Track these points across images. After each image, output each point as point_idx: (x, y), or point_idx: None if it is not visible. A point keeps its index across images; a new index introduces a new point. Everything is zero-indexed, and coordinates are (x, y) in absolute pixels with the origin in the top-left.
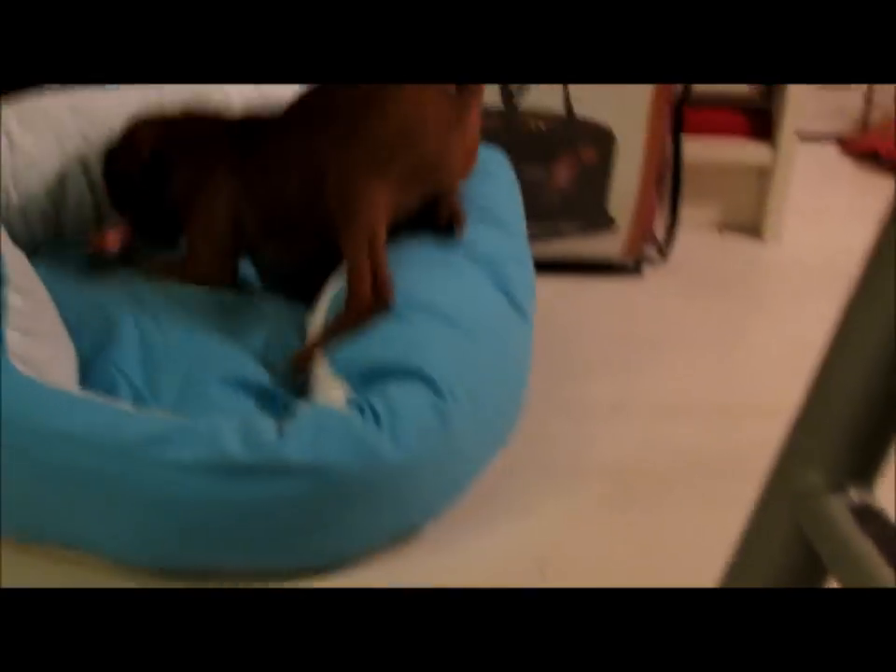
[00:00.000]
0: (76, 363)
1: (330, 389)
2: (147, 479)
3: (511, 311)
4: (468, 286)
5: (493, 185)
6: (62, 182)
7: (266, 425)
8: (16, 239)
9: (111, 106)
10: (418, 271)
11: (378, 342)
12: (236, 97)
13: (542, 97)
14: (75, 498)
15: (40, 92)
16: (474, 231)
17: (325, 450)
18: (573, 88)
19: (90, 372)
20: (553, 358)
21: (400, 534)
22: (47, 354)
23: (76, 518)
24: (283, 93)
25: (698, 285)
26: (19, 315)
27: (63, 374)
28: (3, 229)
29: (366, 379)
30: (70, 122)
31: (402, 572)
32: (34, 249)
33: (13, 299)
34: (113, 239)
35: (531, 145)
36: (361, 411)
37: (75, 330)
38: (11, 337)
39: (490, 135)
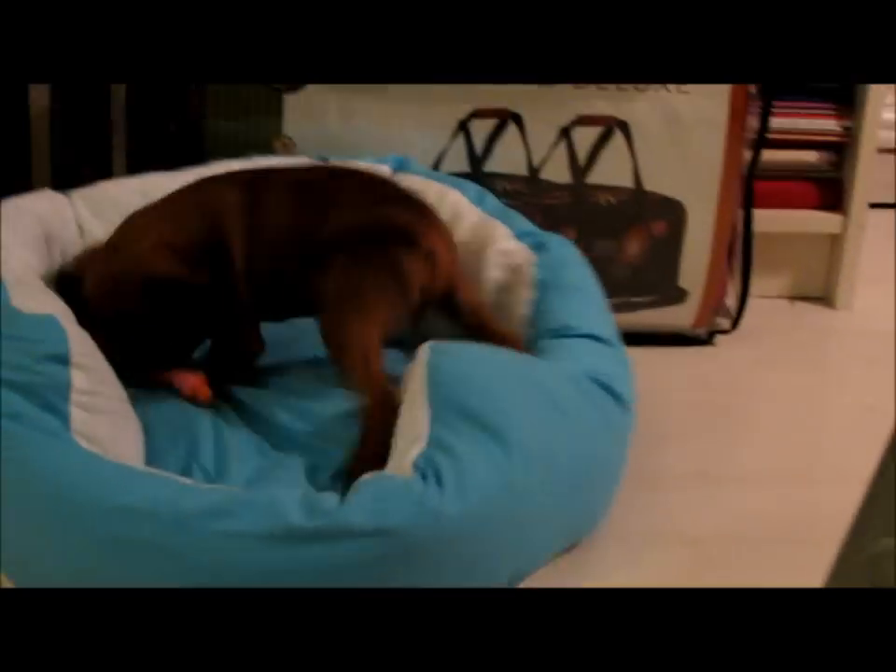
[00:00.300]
0: (141, 440)
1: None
2: (207, 551)
3: (608, 396)
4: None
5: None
6: None
7: (327, 494)
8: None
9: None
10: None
11: (474, 392)
12: None
13: (611, 171)
14: (136, 572)
15: (109, 181)
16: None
17: (386, 514)
18: (642, 162)
19: (163, 459)
20: None
21: None
22: (111, 431)
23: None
24: None
25: (770, 354)
26: (82, 393)
27: (127, 451)
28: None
29: (449, 425)
30: (139, 207)
31: None
32: None
33: (77, 377)
34: (203, 389)
35: (601, 219)
36: (424, 476)
37: (150, 424)
38: (75, 414)
39: (559, 211)
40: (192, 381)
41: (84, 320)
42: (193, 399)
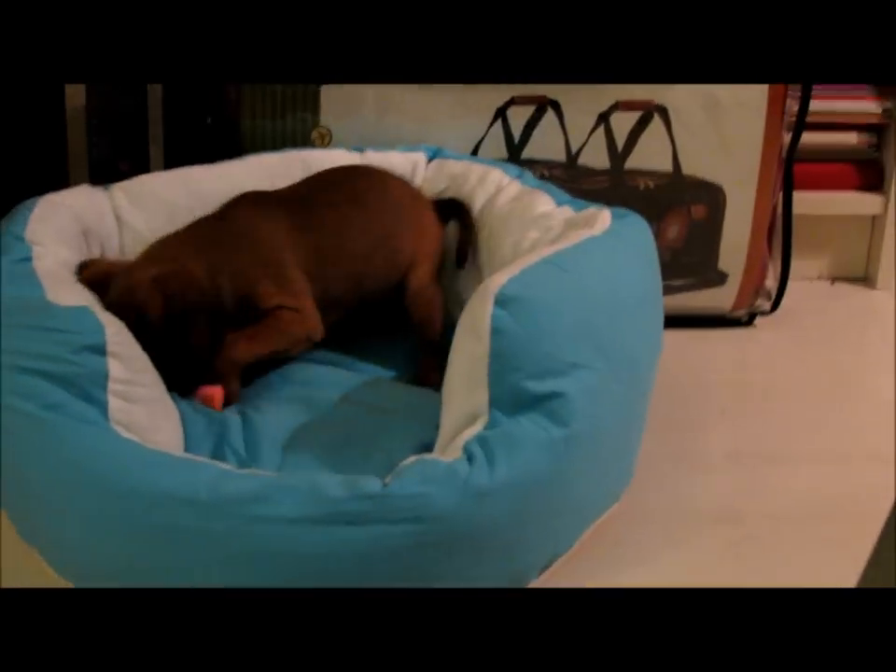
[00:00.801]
0: (179, 427)
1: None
2: (247, 536)
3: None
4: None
5: None
6: None
7: (368, 478)
8: None
9: (217, 181)
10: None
11: (537, 363)
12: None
13: (650, 156)
14: (176, 558)
15: (149, 174)
16: None
17: (428, 499)
18: (681, 146)
19: (198, 445)
20: (668, 409)
21: (511, 582)
22: (148, 419)
23: (181, 578)
24: (395, 160)
25: (810, 335)
26: (120, 382)
27: (165, 438)
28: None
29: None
30: (180, 199)
31: None
32: None
33: (114, 366)
34: (219, 399)
35: (640, 203)
36: (471, 459)
37: (183, 411)
38: (113, 403)
39: (598, 196)
40: (207, 392)
41: None
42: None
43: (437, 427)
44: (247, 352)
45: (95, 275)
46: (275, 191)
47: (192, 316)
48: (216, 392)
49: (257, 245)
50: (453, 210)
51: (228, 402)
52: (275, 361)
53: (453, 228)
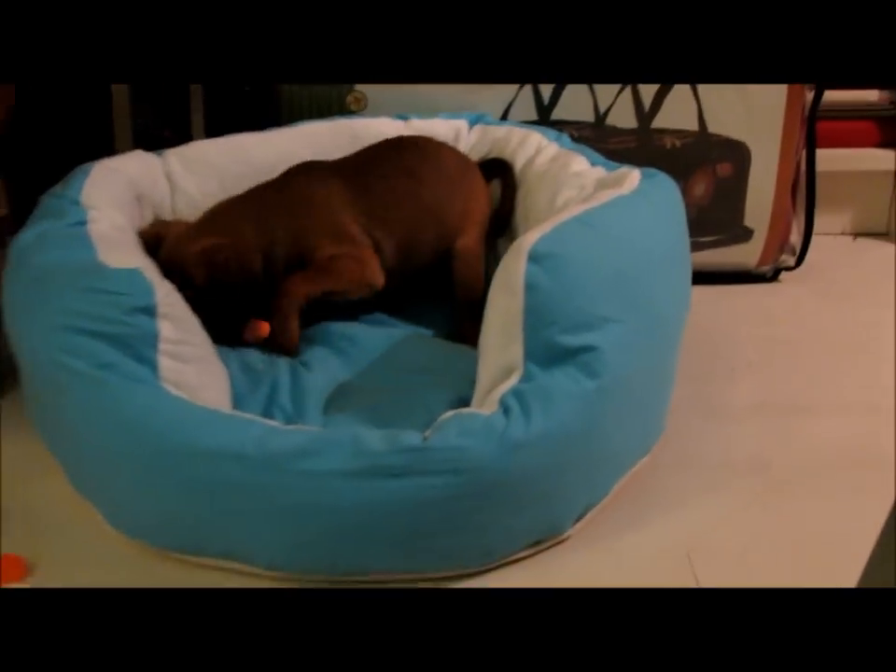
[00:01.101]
0: (228, 386)
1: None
2: (294, 489)
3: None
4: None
5: None
6: None
7: (409, 432)
8: None
9: (266, 149)
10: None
11: (571, 317)
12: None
13: (676, 115)
14: (229, 512)
15: (201, 140)
16: None
17: (467, 451)
18: (706, 105)
19: (246, 403)
20: (697, 362)
21: (547, 531)
22: (198, 377)
23: (230, 531)
24: (438, 128)
25: (834, 289)
26: (170, 342)
27: (214, 396)
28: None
29: (542, 360)
30: (230, 165)
31: (551, 570)
32: None
33: (164, 327)
34: (265, 330)
35: (666, 162)
36: (507, 411)
37: (231, 370)
38: (164, 363)
39: (625, 155)
40: (255, 323)
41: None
42: (255, 340)
43: (474, 383)
44: (305, 289)
45: (149, 235)
46: (330, 161)
47: (235, 288)
48: (263, 325)
49: (313, 207)
50: (497, 170)
51: (285, 344)
52: (333, 312)
53: (495, 187)
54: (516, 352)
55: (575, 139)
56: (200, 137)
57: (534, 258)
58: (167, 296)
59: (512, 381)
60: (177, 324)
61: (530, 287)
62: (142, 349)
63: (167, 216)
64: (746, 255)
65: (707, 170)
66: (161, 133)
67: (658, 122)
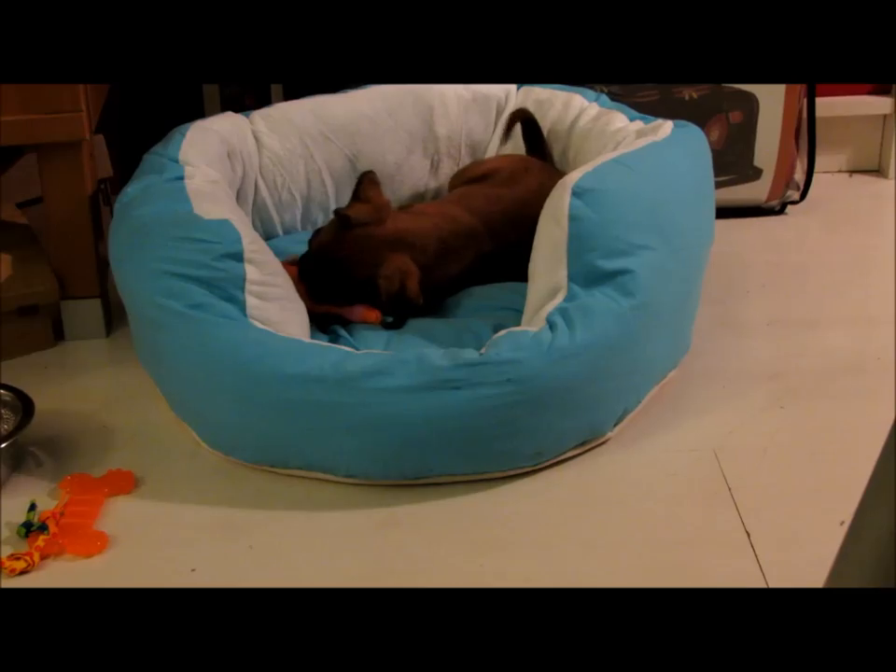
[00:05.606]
0: (306, 321)
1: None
2: (368, 405)
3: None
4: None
5: None
6: (307, 178)
7: (467, 350)
8: (265, 225)
9: (340, 108)
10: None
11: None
12: (451, 97)
13: None
14: (312, 429)
15: (284, 102)
16: None
17: (519, 360)
18: None
19: (318, 337)
20: (716, 286)
21: (591, 434)
22: (280, 314)
23: (313, 444)
24: (491, 91)
25: (834, 220)
26: (255, 283)
27: (295, 330)
28: (246, 215)
29: (583, 281)
30: (310, 124)
31: (595, 467)
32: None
33: (250, 271)
34: (376, 316)
35: (686, 112)
36: (553, 327)
37: None
38: (250, 302)
39: (650, 107)
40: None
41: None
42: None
43: (515, 313)
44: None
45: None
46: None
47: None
48: (373, 312)
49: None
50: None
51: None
52: None
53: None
54: (561, 274)
55: (604, 94)
56: (277, 102)
57: (577, 192)
58: (253, 242)
59: (558, 300)
60: (262, 267)
61: (574, 218)
62: (231, 290)
63: (255, 170)
64: (756, 191)
65: (720, 118)
66: (243, 101)
67: None
